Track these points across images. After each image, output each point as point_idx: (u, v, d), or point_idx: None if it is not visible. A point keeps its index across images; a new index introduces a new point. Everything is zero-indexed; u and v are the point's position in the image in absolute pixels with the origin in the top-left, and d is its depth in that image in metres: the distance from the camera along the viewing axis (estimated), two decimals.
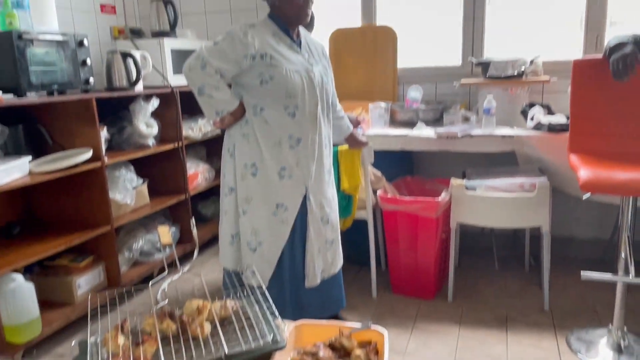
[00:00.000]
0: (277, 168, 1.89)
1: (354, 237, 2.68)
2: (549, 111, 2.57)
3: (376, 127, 2.82)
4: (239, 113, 1.88)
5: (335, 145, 2.30)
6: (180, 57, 3.01)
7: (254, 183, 1.91)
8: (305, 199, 1.95)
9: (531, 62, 2.66)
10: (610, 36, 2.15)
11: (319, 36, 2.88)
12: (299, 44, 1.93)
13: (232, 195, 1.97)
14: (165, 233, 2.39)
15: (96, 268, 2.51)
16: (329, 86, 2.00)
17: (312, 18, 2.50)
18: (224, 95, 1.84)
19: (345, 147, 2.35)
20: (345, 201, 2.42)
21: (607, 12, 2.73)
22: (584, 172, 1.86)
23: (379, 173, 2.64)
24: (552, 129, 2.39)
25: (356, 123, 2.55)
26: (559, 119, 2.44)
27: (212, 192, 3.41)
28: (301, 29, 1.98)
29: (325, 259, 2.05)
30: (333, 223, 2.07)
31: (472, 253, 3.03)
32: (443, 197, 2.45)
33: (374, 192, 2.56)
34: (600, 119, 2.13)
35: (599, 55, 2.11)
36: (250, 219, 1.93)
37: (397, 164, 2.91)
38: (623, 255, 1.96)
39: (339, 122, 2.21)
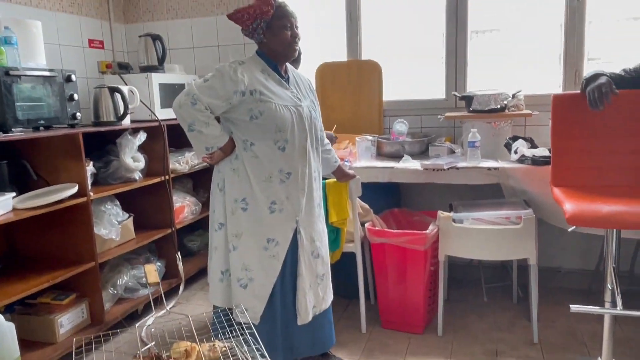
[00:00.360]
0: (267, 202, 1.89)
1: (342, 271, 2.67)
2: (532, 144, 2.63)
3: (363, 159, 2.85)
4: (229, 148, 1.89)
5: (323, 178, 2.31)
6: (168, 91, 3.03)
7: (244, 218, 1.90)
8: (296, 232, 1.94)
9: (513, 96, 2.73)
10: (588, 71, 2.23)
11: (305, 69, 2.93)
12: (287, 80, 1.96)
13: (222, 231, 1.95)
14: (152, 272, 2.35)
15: (79, 306, 2.44)
16: (317, 120, 2.03)
17: (299, 54, 2.55)
18: (214, 131, 1.84)
19: (333, 180, 2.37)
20: (334, 234, 2.42)
21: (585, 48, 2.84)
22: (569, 206, 1.89)
23: (366, 206, 2.65)
24: (536, 162, 2.44)
25: (331, 137, 2.54)
26: (542, 152, 2.49)
27: (198, 225, 3.38)
28: (288, 65, 2.01)
29: (316, 294, 2.03)
30: (324, 257, 2.06)
31: (461, 285, 3.03)
32: (431, 229, 2.46)
33: (362, 225, 2.57)
34: (581, 152, 2.18)
35: (578, 91, 2.18)
36: (241, 255, 1.91)
37: (385, 197, 2.93)
38: (609, 286, 1.98)
39: (327, 156, 2.22)
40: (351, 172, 2.38)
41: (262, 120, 1.82)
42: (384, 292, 2.57)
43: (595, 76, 2.11)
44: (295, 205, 1.92)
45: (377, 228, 2.60)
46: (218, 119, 1.91)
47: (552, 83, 2.94)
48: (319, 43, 3.46)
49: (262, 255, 1.89)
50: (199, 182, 3.42)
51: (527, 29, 2.99)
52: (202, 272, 3.19)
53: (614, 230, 2.00)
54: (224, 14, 3.37)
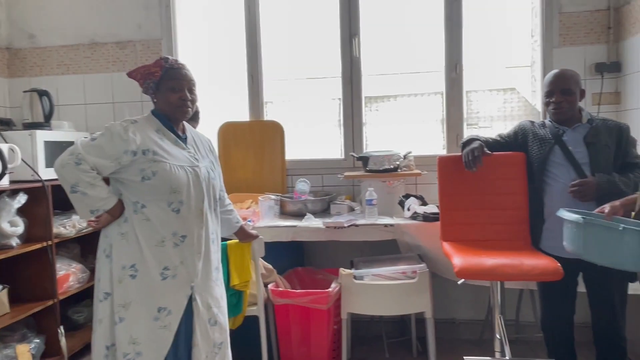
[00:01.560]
0: (159, 268, 1.78)
1: (244, 335, 2.56)
2: (423, 202, 2.80)
3: (266, 219, 2.83)
4: (117, 211, 1.78)
5: (224, 240, 2.25)
6: (55, 149, 2.83)
7: (133, 286, 1.76)
8: (191, 299, 1.84)
9: (404, 156, 2.92)
10: (466, 135, 2.47)
11: (207, 129, 2.92)
12: (185, 139, 1.92)
13: (108, 301, 1.79)
14: (25, 353, 2.08)
15: None
16: (216, 181, 1.99)
17: (197, 113, 2.53)
18: (100, 192, 1.74)
19: (235, 241, 2.31)
20: (236, 298, 2.33)
21: (464, 114, 3.15)
22: (457, 260, 2.01)
23: (270, 266, 2.61)
24: (427, 218, 2.60)
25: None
26: (432, 208, 2.66)
27: (85, 295, 3.07)
28: (187, 124, 1.99)
29: None
30: (222, 324, 1.96)
31: (364, 342, 3.04)
32: (333, 287, 2.47)
33: (265, 286, 2.51)
34: (465, 209, 2.37)
35: (460, 153, 2.39)
36: (128, 327, 1.76)
37: (288, 256, 2.91)
38: (498, 336, 2.10)
39: (228, 217, 2.18)
40: (254, 232, 2.34)
41: (155, 181, 1.76)
42: (287, 354, 2.50)
43: (470, 141, 2.35)
44: (191, 270, 1.83)
45: (280, 289, 2.56)
46: (106, 180, 1.81)
47: (438, 145, 3.21)
48: (221, 102, 3.50)
49: (152, 326, 1.76)
50: (87, 247, 3.15)
51: (415, 96, 3.28)
52: (89, 348, 2.87)
53: (498, 281, 2.16)
54: (120, 71, 3.29)
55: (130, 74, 1.88)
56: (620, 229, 1.64)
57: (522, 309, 2.94)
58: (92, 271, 2.98)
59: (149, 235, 1.78)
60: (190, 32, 3.42)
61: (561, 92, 2.17)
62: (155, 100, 1.88)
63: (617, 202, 1.84)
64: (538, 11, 2.99)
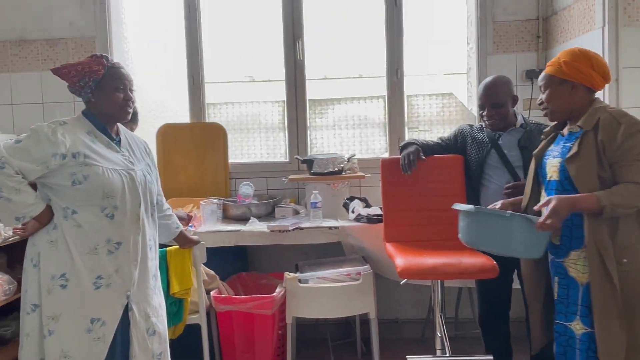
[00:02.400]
0: (92, 277, 1.69)
1: (186, 344, 2.48)
2: (367, 204, 2.83)
3: (208, 223, 2.76)
4: (45, 218, 1.68)
5: (163, 246, 2.17)
6: None
7: (63, 297, 1.66)
8: (127, 309, 1.75)
9: (348, 159, 2.95)
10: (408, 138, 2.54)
11: (144, 131, 2.81)
12: (119, 142, 1.84)
13: (36, 314, 1.68)
14: None
15: None
16: (153, 185, 1.92)
17: (136, 114, 2.44)
18: (26, 198, 1.63)
19: (175, 247, 2.24)
20: (176, 307, 2.26)
21: (405, 118, 3.23)
22: (400, 261, 2.05)
23: (212, 272, 2.55)
24: (371, 220, 2.63)
25: (188, 219, 2.47)
26: (375, 210, 2.70)
27: (13, 308, 2.87)
28: (121, 126, 1.90)
29: None
30: (161, 333, 1.88)
31: (309, 346, 3.03)
32: (278, 292, 2.45)
33: (207, 293, 2.45)
34: (407, 210, 2.42)
35: None
36: (59, 341, 1.65)
37: (232, 261, 2.86)
38: (438, 334, 2.16)
39: (167, 222, 2.10)
40: (195, 237, 2.28)
41: (87, 186, 1.66)
42: None
43: (407, 144, 2.42)
44: (127, 279, 1.74)
45: (223, 295, 2.50)
46: (34, 185, 1.70)
47: (380, 148, 3.27)
48: (161, 104, 3.39)
49: (84, 338, 1.66)
50: (14, 256, 2.94)
51: (358, 101, 3.32)
52: None
53: (438, 280, 2.22)
54: (50, 69, 3.11)
55: (58, 71, 1.76)
56: (508, 215, 1.74)
57: (461, 306, 3.04)
58: (20, 282, 2.79)
59: (80, 243, 1.68)
60: (127, 31, 3.29)
61: (492, 106, 2.28)
62: (93, 100, 1.77)
63: (507, 200, 1.97)
64: (473, 20, 3.12)
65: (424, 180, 2.41)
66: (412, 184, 2.42)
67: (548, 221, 1.63)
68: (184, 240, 2.21)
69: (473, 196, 2.37)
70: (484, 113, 2.30)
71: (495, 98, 2.27)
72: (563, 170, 1.72)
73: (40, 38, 3.15)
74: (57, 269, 1.67)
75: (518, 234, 1.72)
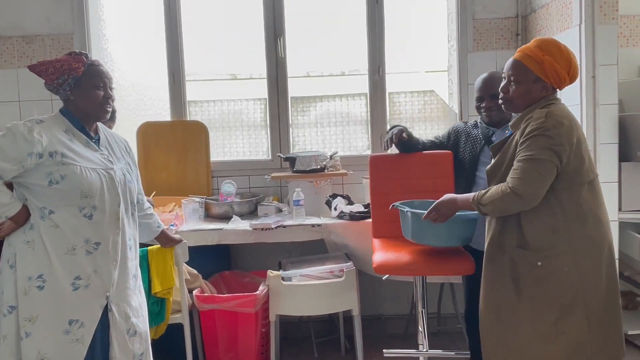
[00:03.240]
0: (70, 278, 1.66)
1: (168, 344, 2.46)
2: (349, 201, 2.84)
3: (190, 222, 2.74)
4: (22, 218, 1.64)
5: (144, 245, 2.14)
6: None
7: (40, 298, 1.63)
8: (106, 310, 1.73)
9: (331, 157, 2.95)
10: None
11: (123, 129, 2.78)
12: (98, 141, 1.81)
13: (13, 315, 1.65)
14: None
15: None
16: (133, 184, 1.89)
17: (114, 112, 2.40)
18: (2, 198, 1.60)
19: (156, 246, 2.22)
20: (158, 307, 2.24)
21: (387, 115, 3.24)
22: (377, 256, 2.06)
23: (194, 271, 2.53)
24: (353, 217, 2.64)
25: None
26: (358, 207, 2.71)
27: None
28: (100, 125, 1.87)
29: None
30: (142, 334, 1.86)
31: (292, 344, 3.03)
32: (261, 290, 2.44)
33: (190, 292, 2.43)
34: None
35: (391, 151, 2.47)
36: (36, 342, 1.62)
37: (215, 260, 2.84)
38: (421, 329, 2.17)
39: (148, 221, 2.07)
40: (177, 236, 2.26)
41: (64, 185, 1.64)
42: None
43: (394, 127, 2.47)
44: (106, 279, 1.72)
45: (206, 294, 2.49)
46: (10, 185, 1.66)
47: (363, 145, 3.28)
48: (141, 102, 3.35)
49: (62, 340, 1.63)
50: None
51: (340, 98, 3.33)
52: None
53: (420, 276, 2.23)
54: (26, 66, 3.04)
55: (35, 68, 1.72)
56: (405, 210, 1.93)
57: (443, 302, 3.07)
58: None
59: (58, 243, 1.65)
60: (106, 28, 3.23)
61: (491, 97, 2.29)
62: (72, 98, 1.74)
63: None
64: (454, 17, 3.15)
65: (412, 176, 2.42)
66: (400, 180, 2.43)
67: (430, 215, 1.86)
68: (165, 240, 2.19)
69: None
70: (483, 105, 2.32)
71: (494, 89, 2.28)
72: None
73: (16, 35, 3.08)
74: (34, 270, 1.64)
75: (450, 229, 1.94)
